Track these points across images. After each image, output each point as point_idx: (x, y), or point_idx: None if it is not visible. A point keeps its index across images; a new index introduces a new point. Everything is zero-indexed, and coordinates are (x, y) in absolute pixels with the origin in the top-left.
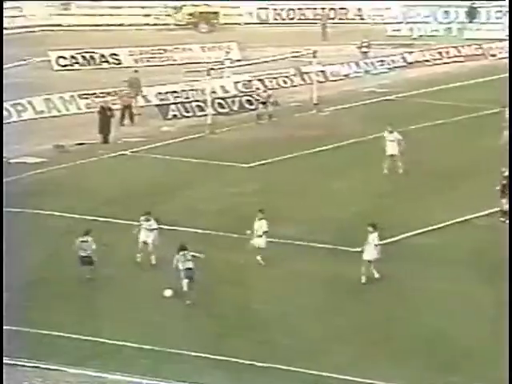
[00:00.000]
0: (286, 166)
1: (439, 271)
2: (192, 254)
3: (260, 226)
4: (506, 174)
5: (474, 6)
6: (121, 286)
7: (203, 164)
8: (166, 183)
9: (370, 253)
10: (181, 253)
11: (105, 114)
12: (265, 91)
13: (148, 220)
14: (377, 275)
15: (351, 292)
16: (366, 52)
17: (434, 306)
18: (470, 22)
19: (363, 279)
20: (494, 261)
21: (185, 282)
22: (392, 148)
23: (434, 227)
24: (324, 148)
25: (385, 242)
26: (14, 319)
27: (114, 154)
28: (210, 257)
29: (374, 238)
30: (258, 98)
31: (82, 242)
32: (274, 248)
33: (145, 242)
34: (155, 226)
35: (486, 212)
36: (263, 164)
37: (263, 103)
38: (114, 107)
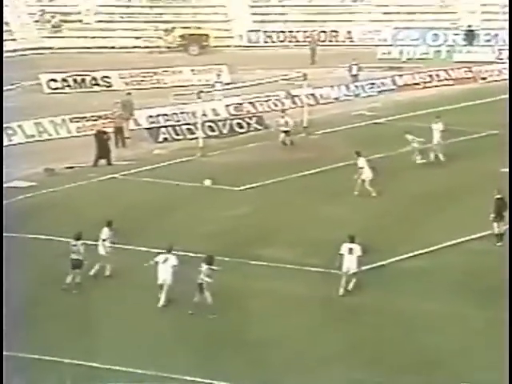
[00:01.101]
0: (277, 188)
1: (430, 294)
2: (203, 269)
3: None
4: (498, 196)
5: (472, 28)
6: (112, 308)
7: (194, 187)
8: (157, 206)
9: (345, 265)
10: (203, 265)
11: (101, 137)
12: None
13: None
14: (341, 291)
15: (344, 314)
16: (355, 75)
17: (425, 328)
18: (468, 44)
19: (341, 291)
20: (485, 283)
21: (203, 295)
22: (367, 173)
23: (426, 250)
24: (314, 171)
25: (377, 264)
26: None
27: (104, 178)
28: None
29: (345, 248)
30: (284, 125)
31: (73, 246)
32: (266, 271)
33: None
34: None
35: (477, 235)
36: (254, 187)
37: (286, 132)
38: (108, 130)
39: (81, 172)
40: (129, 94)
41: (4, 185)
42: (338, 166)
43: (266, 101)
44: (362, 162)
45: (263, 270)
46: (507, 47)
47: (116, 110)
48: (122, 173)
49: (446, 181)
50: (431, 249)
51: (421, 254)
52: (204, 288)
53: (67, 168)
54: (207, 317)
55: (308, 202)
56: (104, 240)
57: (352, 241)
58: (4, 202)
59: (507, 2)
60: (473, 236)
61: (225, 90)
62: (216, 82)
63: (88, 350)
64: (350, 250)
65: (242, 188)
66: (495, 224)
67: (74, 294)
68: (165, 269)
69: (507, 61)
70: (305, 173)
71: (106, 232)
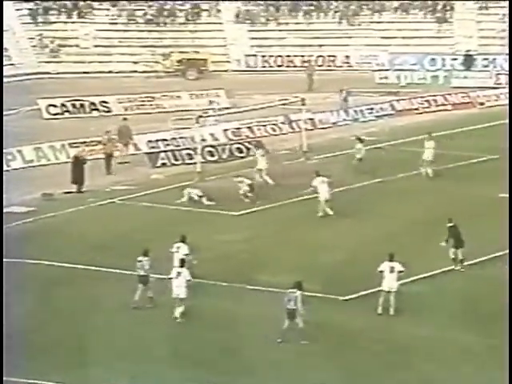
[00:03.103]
0: (275, 213)
1: (431, 319)
2: (297, 296)
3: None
4: (450, 225)
5: (469, 53)
6: (109, 333)
7: (192, 212)
8: (156, 231)
9: (385, 283)
10: (289, 290)
11: (77, 163)
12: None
13: (179, 247)
14: (380, 310)
15: (341, 340)
16: (345, 101)
17: (422, 354)
18: (466, 69)
19: (379, 310)
20: (484, 309)
21: (286, 321)
22: (322, 193)
23: (424, 275)
24: (313, 196)
25: (375, 289)
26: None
27: (102, 202)
28: (201, 304)
29: (386, 267)
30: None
31: (139, 261)
32: (264, 296)
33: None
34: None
35: (476, 260)
36: (252, 212)
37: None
38: (89, 157)
39: (79, 197)
40: (125, 119)
41: (3, 210)
42: (336, 190)
43: (264, 125)
44: (316, 181)
45: (260, 294)
46: (505, 72)
47: (107, 137)
48: (121, 197)
49: (444, 206)
50: (430, 274)
51: (419, 279)
52: (296, 314)
53: (65, 193)
54: (203, 342)
55: (306, 227)
56: (187, 255)
57: (391, 259)
58: (3, 227)
59: (505, 27)
60: (471, 262)
61: (219, 115)
62: (210, 109)
63: None
64: (392, 269)
65: (239, 213)
66: (452, 250)
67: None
68: (178, 283)
69: (506, 86)
70: (303, 197)
71: (184, 248)
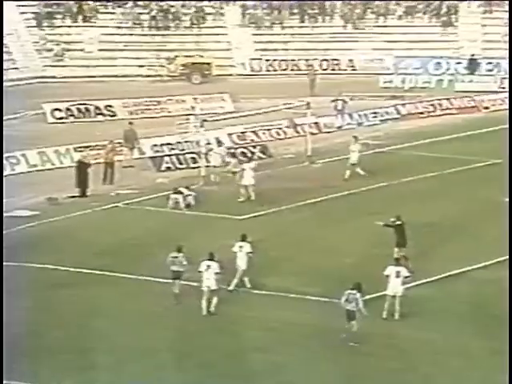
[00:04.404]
0: (280, 217)
1: (436, 323)
2: (357, 297)
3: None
4: (398, 223)
5: (474, 57)
6: (113, 337)
7: (197, 216)
8: (160, 235)
9: (390, 287)
10: (348, 291)
11: (82, 168)
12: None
13: (242, 246)
14: (385, 314)
15: (344, 344)
16: (340, 110)
17: (429, 358)
18: (470, 73)
19: (384, 314)
20: (489, 313)
21: (352, 322)
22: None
23: (430, 279)
24: (317, 200)
25: (380, 294)
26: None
27: (107, 206)
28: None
29: (393, 271)
30: None
31: (174, 257)
32: (269, 299)
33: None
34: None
35: (481, 265)
36: (257, 216)
37: None
38: (92, 162)
39: (83, 201)
40: (131, 123)
41: (7, 214)
42: (341, 194)
43: (269, 129)
44: (246, 165)
45: (266, 299)
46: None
47: (110, 146)
48: (125, 201)
49: (450, 210)
50: (435, 278)
51: (424, 283)
52: (355, 316)
53: (70, 197)
54: (204, 345)
55: (310, 231)
56: (251, 253)
57: (397, 264)
58: (6, 231)
59: (507, 31)
60: (477, 265)
61: (228, 118)
62: (192, 114)
63: None
64: (398, 273)
65: (245, 217)
66: (396, 250)
67: None
68: (208, 276)
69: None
70: (308, 201)
71: (247, 246)
